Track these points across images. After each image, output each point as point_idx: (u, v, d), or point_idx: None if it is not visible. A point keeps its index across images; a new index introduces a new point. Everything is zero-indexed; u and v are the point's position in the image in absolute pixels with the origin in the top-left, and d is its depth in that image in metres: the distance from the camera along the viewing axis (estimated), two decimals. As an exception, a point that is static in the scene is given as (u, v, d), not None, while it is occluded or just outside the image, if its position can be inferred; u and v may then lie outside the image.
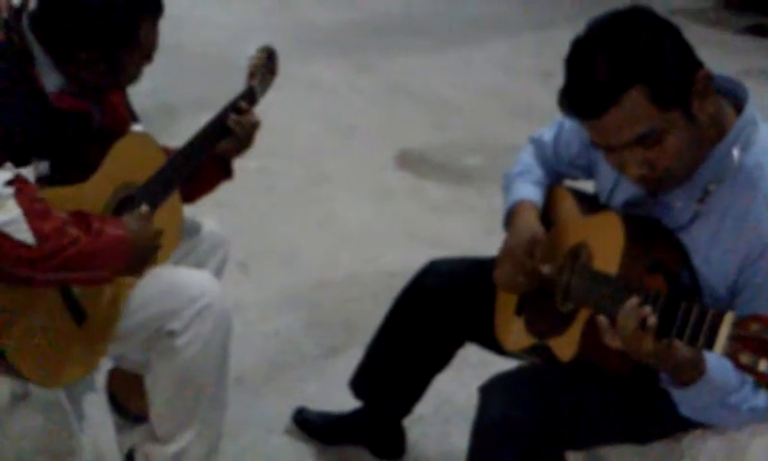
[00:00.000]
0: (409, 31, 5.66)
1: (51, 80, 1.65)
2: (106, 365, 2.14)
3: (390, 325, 2.02)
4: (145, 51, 1.71)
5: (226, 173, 2.00)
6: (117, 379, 2.19)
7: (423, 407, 2.13)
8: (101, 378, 2.13)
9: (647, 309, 1.29)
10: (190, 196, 1.98)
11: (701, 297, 1.44)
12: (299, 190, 3.57)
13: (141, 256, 1.66)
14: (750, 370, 1.11)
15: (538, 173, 1.81)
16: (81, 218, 1.56)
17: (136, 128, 1.86)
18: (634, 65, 1.34)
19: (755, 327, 1.11)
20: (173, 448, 1.87)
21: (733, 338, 1.14)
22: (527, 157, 1.84)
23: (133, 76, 1.74)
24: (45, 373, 1.64)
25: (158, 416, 1.87)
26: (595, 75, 1.35)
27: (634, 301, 1.31)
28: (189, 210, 1.99)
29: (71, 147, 1.67)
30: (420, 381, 2.05)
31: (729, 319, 1.16)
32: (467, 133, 4.22)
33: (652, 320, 1.28)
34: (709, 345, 1.18)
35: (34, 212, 1.47)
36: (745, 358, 1.11)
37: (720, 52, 5.19)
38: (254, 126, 1.93)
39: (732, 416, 1.43)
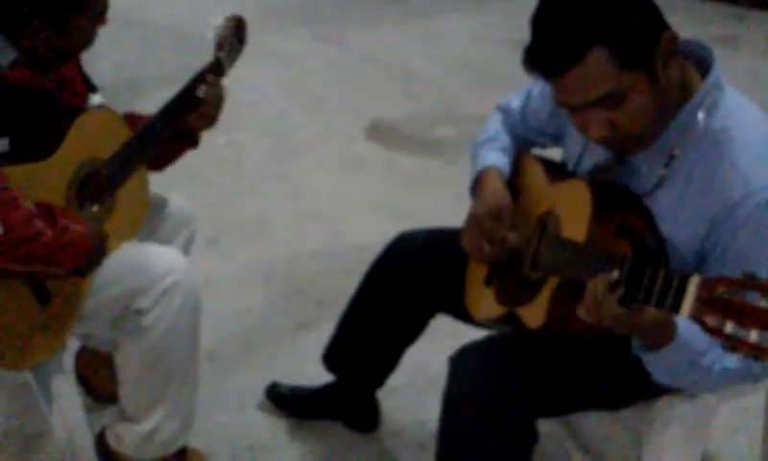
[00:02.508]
0: (378, 1, 5.62)
1: (3, 54, 1.61)
2: (74, 345, 2.12)
3: (361, 297, 2.02)
4: (95, 11, 1.67)
5: (191, 143, 1.96)
6: (86, 359, 2.18)
7: (397, 379, 2.14)
8: (69, 359, 2.11)
9: (615, 273, 1.29)
10: (157, 164, 1.95)
11: (667, 261, 1.45)
12: (268, 164, 3.54)
13: (94, 258, 1.62)
14: (717, 332, 1.11)
15: (505, 140, 1.81)
16: (47, 212, 1.53)
17: (96, 99, 1.83)
18: (597, 24, 1.33)
19: (720, 289, 1.12)
20: (144, 426, 1.86)
21: (700, 301, 1.14)
22: (494, 125, 1.84)
23: (87, 39, 1.70)
24: (11, 356, 1.62)
25: (129, 395, 1.86)
26: (559, 32, 1.35)
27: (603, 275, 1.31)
28: (157, 185, 1.96)
29: (31, 124, 1.64)
30: (392, 353, 2.05)
31: (695, 281, 1.16)
32: (436, 104, 4.21)
33: (621, 289, 1.28)
34: (676, 308, 1.18)
35: (2, 201, 1.44)
36: (712, 321, 1.12)
37: (688, 18, 5.21)
38: (221, 98, 1.89)
39: (705, 377, 1.43)
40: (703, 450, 1.67)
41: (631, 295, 1.27)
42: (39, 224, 1.49)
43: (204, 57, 1.94)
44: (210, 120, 1.89)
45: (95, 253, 1.60)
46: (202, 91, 1.85)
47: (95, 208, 1.75)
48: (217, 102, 1.88)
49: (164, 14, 5.00)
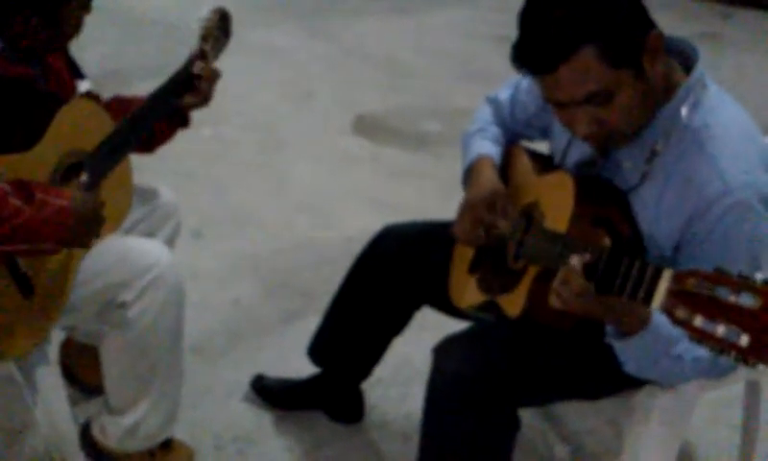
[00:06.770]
0: (365, -6, 5.61)
1: None
2: (59, 336, 2.12)
3: (347, 290, 2.03)
4: (81, 2, 1.68)
5: (183, 122, 1.96)
6: (71, 351, 2.17)
7: (382, 370, 2.15)
8: (54, 350, 2.10)
9: (587, 255, 1.31)
10: (148, 146, 1.95)
11: (644, 254, 1.46)
12: (254, 157, 3.54)
13: (86, 228, 1.61)
14: (685, 324, 1.12)
15: (495, 131, 1.82)
16: (23, 188, 1.52)
17: (84, 85, 1.82)
18: (586, 23, 1.34)
19: (691, 282, 1.13)
20: (128, 419, 1.86)
21: (671, 293, 1.16)
22: (484, 116, 1.85)
23: (74, 30, 1.71)
24: (-7, 346, 1.62)
25: (113, 387, 1.86)
26: (548, 31, 1.36)
27: (575, 258, 1.32)
28: (142, 177, 1.96)
29: (14, 113, 1.63)
30: (377, 345, 2.07)
31: (667, 275, 1.18)
32: (424, 98, 4.21)
33: (584, 258, 1.29)
34: (648, 299, 1.20)
35: None
36: (681, 313, 1.13)
37: (674, 15, 5.23)
38: (217, 75, 1.89)
39: (677, 367, 1.45)
40: (682, 441, 1.69)
41: (606, 285, 1.29)
42: (16, 202, 1.48)
43: (190, 48, 1.93)
44: (204, 98, 1.89)
45: (84, 222, 1.59)
46: (198, 67, 1.85)
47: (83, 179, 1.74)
48: (212, 78, 1.88)
49: (150, 6, 4.98)
